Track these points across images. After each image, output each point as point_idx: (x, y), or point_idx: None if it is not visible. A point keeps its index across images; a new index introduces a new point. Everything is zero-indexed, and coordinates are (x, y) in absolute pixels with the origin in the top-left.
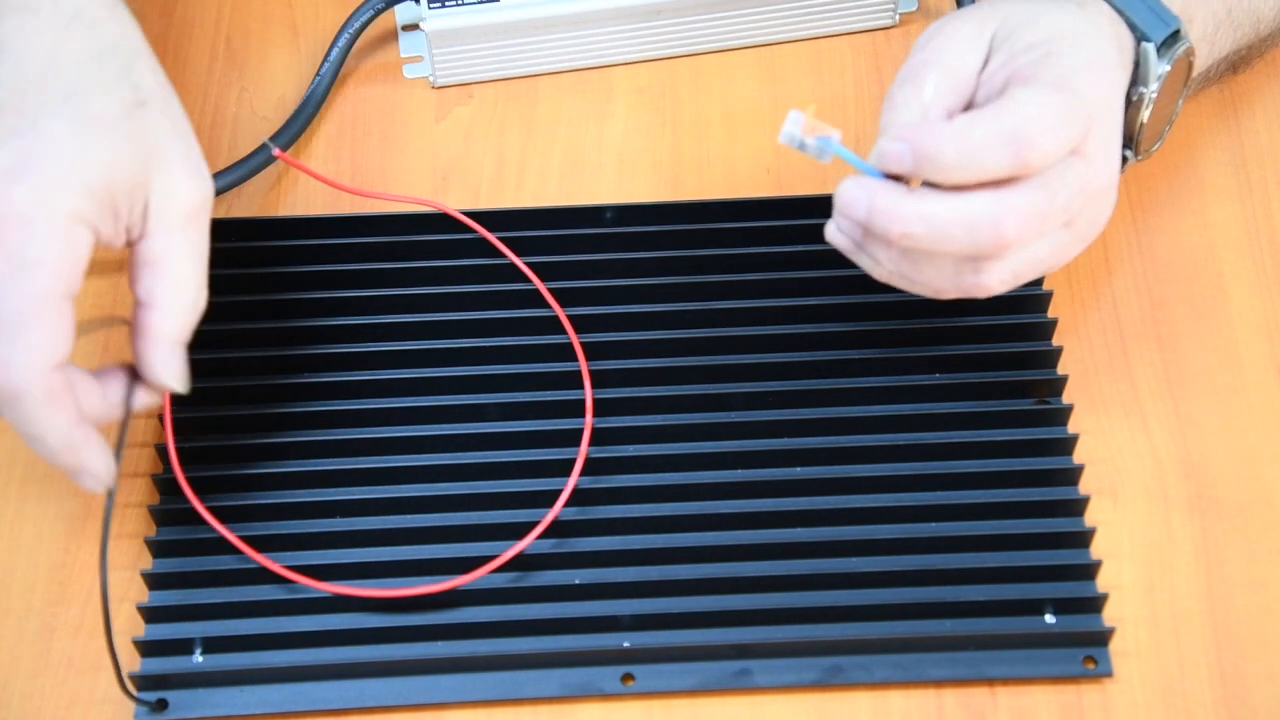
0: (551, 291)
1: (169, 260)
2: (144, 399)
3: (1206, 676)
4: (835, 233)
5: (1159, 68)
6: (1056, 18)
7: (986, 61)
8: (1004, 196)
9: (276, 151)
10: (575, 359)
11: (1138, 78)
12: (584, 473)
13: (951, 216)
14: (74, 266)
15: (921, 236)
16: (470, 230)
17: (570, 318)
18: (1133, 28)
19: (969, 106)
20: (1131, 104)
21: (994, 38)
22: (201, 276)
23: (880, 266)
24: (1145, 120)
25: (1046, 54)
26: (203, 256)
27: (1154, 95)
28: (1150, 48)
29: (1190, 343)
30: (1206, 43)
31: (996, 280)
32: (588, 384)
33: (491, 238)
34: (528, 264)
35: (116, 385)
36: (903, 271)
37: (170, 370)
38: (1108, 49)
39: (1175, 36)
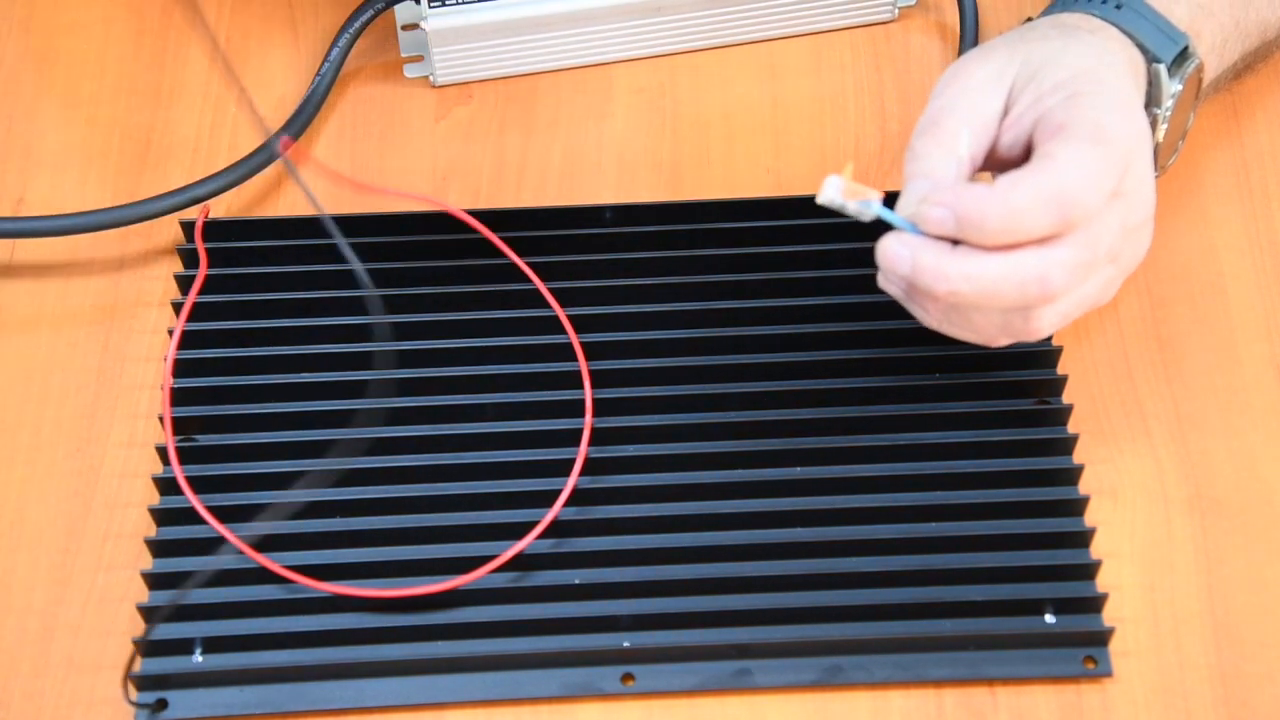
0: (551, 291)
1: None
2: None
3: (1206, 676)
4: (885, 283)
5: (1171, 87)
6: (1076, 53)
7: (1008, 104)
8: (1050, 253)
9: (282, 146)
10: (574, 359)
11: (1151, 98)
12: (583, 472)
13: (998, 275)
14: None
15: (968, 295)
16: (469, 230)
17: (570, 317)
18: (1143, 50)
19: (993, 151)
20: None
21: (1015, 80)
22: None
23: (929, 316)
24: (1160, 139)
25: (1073, 95)
26: None
27: (1168, 114)
28: (1161, 69)
29: (1190, 343)
30: (1215, 55)
31: (1046, 325)
32: (587, 384)
33: (493, 237)
34: (528, 264)
35: None
36: (952, 321)
37: None
38: (1126, 81)
39: (1184, 53)
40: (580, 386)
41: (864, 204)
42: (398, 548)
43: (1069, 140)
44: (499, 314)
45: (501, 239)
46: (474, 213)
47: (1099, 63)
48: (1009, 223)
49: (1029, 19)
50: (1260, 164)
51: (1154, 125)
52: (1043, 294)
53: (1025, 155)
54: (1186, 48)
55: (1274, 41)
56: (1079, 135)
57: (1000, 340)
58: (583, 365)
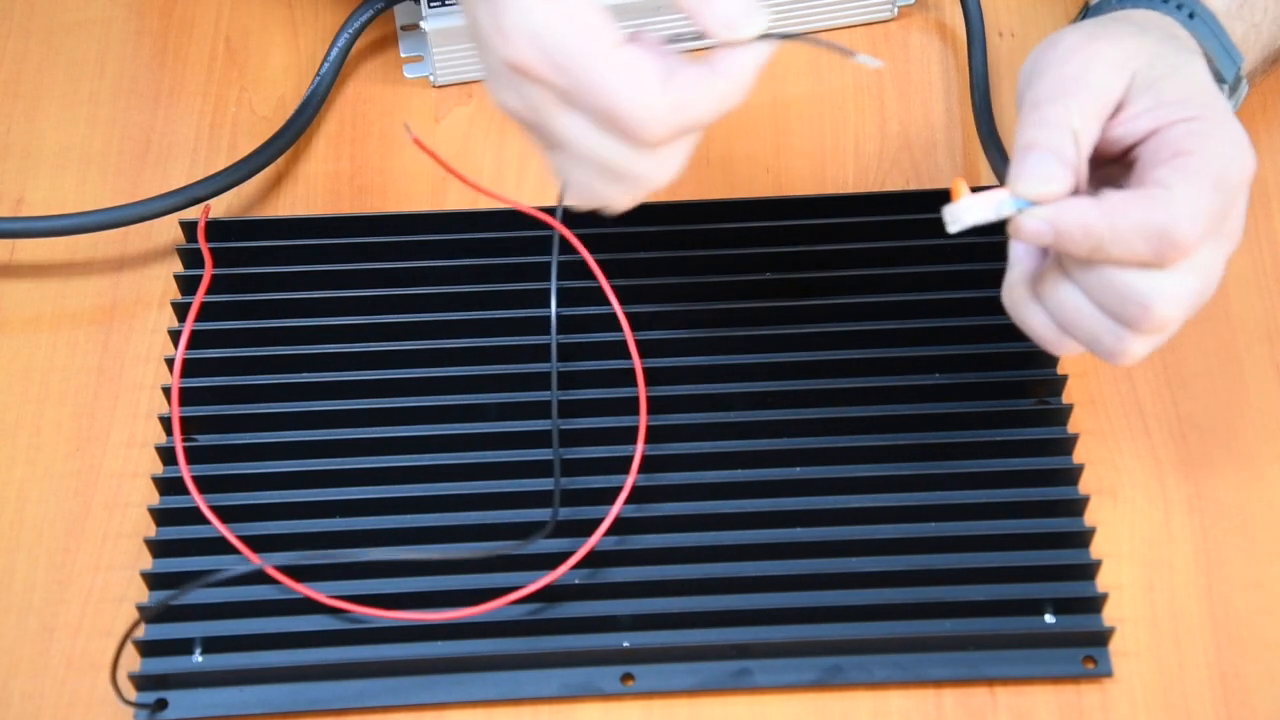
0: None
1: None
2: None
3: (1206, 676)
4: (1010, 290)
5: (1232, 108)
6: (1197, 71)
7: (1124, 99)
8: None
9: (413, 137)
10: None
11: None
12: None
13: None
14: (588, 24)
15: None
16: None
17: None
18: (1211, 66)
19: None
20: None
21: (1137, 74)
22: None
23: (1046, 321)
24: None
25: (1197, 120)
26: None
27: None
28: (1225, 88)
29: (1190, 343)
30: (1250, 78)
31: (1136, 353)
32: (641, 383)
33: (569, 235)
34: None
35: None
36: (1065, 314)
37: (724, 21)
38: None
39: (1238, 75)
40: (582, 386)
41: (999, 205)
42: (396, 548)
43: (1189, 176)
44: (497, 315)
45: (501, 238)
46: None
47: (1211, 85)
48: (1107, 245)
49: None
50: (1260, 164)
51: None
52: (1142, 318)
53: (1122, 155)
54: (1239, 68)
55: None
56: (1201, 172)
57: (1077, 349)
58: (636, 363)
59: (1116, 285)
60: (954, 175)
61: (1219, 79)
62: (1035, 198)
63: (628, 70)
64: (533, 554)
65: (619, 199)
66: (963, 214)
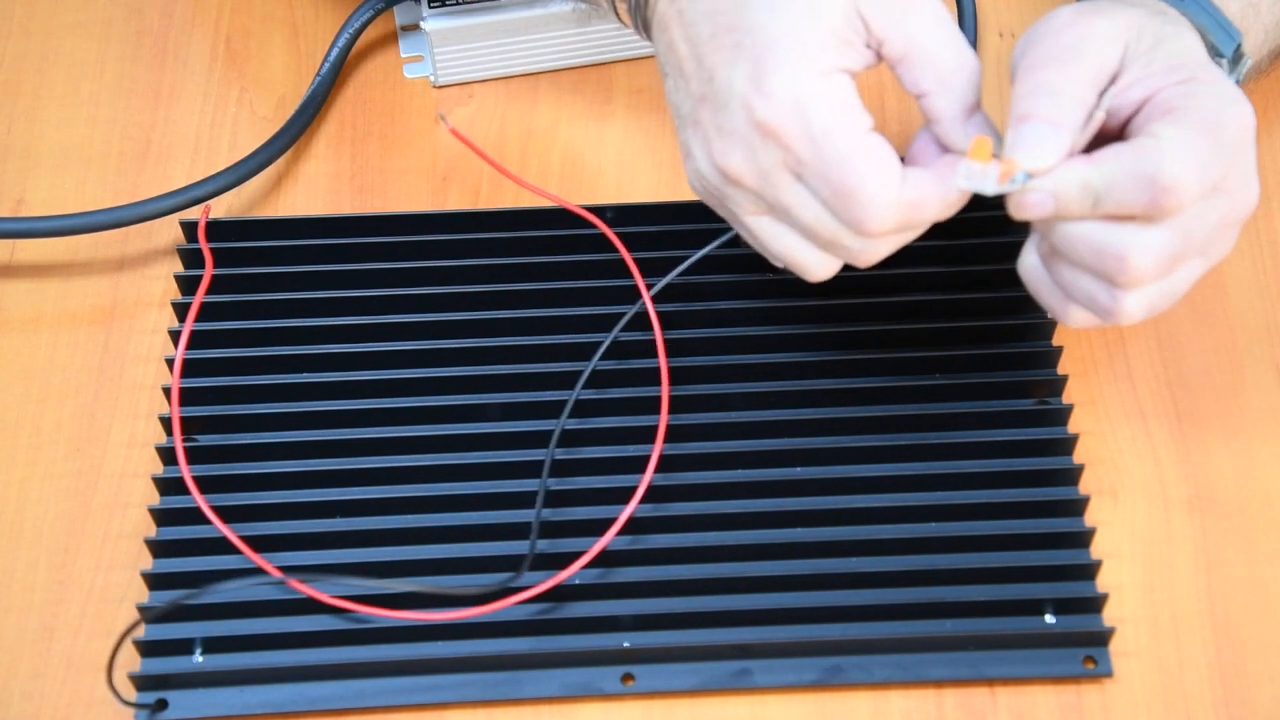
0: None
1: (913, 44)
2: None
3: (1206, 676)
4: (1025, 267)
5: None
6: (1189, 40)
7: (1119, 69)
8: (1136, 233)
9: (450, 127)
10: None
11: None
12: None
13: (1080, 233)
14: (850, 105)
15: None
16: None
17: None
18: (1206, 41)
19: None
20: None
21: (1128, 46)
22: (952, 37)
23: (1061, 300)
24: None
25: (1189, 81)
26: (941, 22)
27: None
28: (1224, 63)
29: (1190, 343)
30: (1255, 54)
31: (1131, 309)
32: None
33: (608, 231)
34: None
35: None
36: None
37: (971, 139)
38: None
39: (1238, 52)
40: (590, 387)
41: (1012, 179)
42: (396, 548)
43: (1177, 124)
44: (497, 315)
45: (501, 239)
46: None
47: (1205, 55)
48: (1102, 198)
49: None
50: (1260, 164)
51: None
52: (1121, 271)
53: (1119, 130)
54: (1239, 45)
55: None
56: (1189, 122)
57: (1083, 316)
58: (662, 361)
59: (1094, 240)
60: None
61: (1215, 54)
62: (1032, 169)
63: (875, 159)
64: (534, 554)
65: (814, 270)
66: (977, 178)
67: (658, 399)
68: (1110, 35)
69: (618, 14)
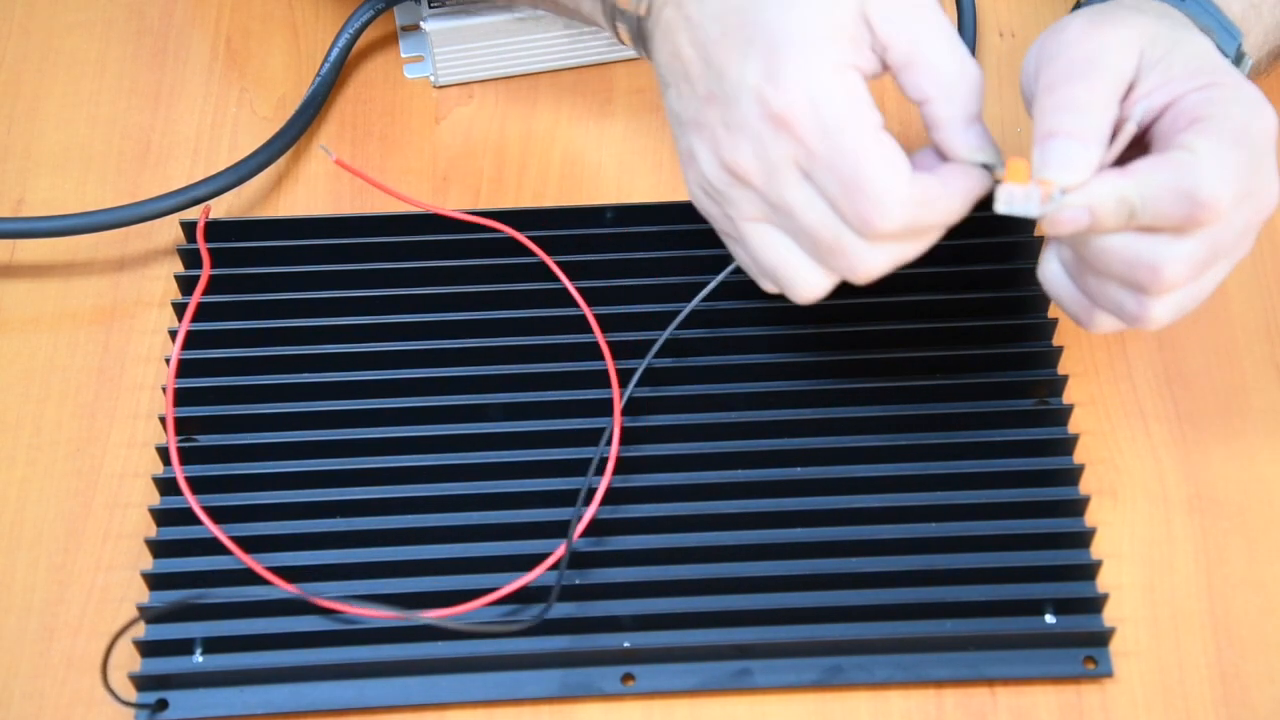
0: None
1: (917, 50)
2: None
3: (1206, 676)
4: (1045, 274)
5: None
6: (1196, 43)
7: (1135, 77)
8: (1170, 246)
9: (335, 158)
10: (595, 358)
11: None
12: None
13: (1112, 246)
14: (862, 101)
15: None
16: (467, 230)
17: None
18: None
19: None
20: None
21: (1144, 53)
22: (955, 45)
23: (1086, 309)
24: None
25: (1210, 86)
26: (944, 31)
27: None
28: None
29: (1190, 343)
30: (1255, 54)
31: (1159, 316)
32: (615, 384)
33: (521, 237)
34: (528, 264)
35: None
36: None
37: (972, 147)
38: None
39: (1238, 51)
40: (592, 386)
41: (1048, 199)
42: (396, 548)
43: (1209, 136)
44: (498, 315)
45: (499, 239)
46: (479, 212)
47: (1219, 56)
48: (1139, 212)
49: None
50: None
51: None
52: (1154, 281)
53: (1140, 134)
54: (1239, 45)
55: None
56: (1221, 134)
57: (1110, 322)
58: (610, 364)
59: (1127, 252)
60: (1013, 156)
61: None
62: (1063, 185)
63: (886, 154)
64: (534, 554)
65: (807, 287)
66: (1019, 200)
67: (658, 399)
68: (1125, 44)
69: (617, 35)
